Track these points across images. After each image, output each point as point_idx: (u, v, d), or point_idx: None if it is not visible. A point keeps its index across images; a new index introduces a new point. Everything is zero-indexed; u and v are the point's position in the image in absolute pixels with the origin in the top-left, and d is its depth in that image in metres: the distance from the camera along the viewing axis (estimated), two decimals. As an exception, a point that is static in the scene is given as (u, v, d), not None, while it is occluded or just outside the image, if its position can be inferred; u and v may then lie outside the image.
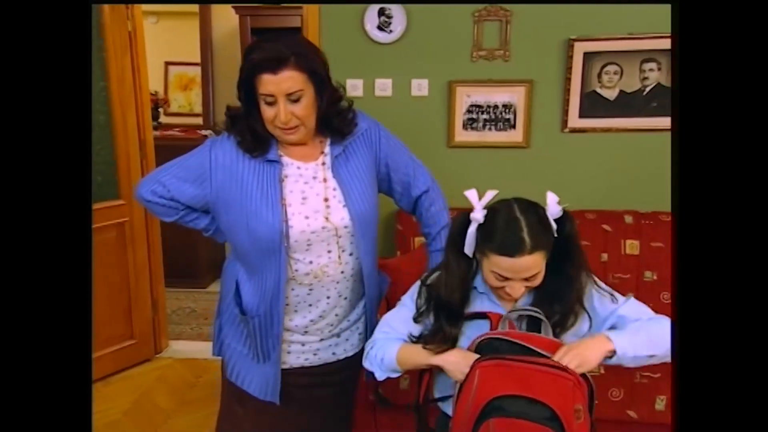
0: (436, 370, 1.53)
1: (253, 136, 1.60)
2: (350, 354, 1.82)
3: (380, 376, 1.57)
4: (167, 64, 5.45)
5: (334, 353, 1.79)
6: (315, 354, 1.77)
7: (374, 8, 2.97)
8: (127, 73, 3.16)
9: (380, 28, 3.00)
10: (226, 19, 4.59)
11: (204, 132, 4.59)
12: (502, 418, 1.32)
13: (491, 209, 1.43)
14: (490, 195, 1.43)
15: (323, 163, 1.67)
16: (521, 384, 1.33)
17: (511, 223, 1.38)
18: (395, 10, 2.97)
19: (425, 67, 3.03)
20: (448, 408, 1.54)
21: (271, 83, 1.52)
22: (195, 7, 4.65)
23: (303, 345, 1.75)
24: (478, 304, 1.53)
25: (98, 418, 2.90)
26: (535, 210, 1.42)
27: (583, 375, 1.36)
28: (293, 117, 1.56)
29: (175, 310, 4.02)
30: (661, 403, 2.41)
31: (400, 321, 1.58)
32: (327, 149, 1.68)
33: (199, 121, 4.80)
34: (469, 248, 1.46)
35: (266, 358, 1.73)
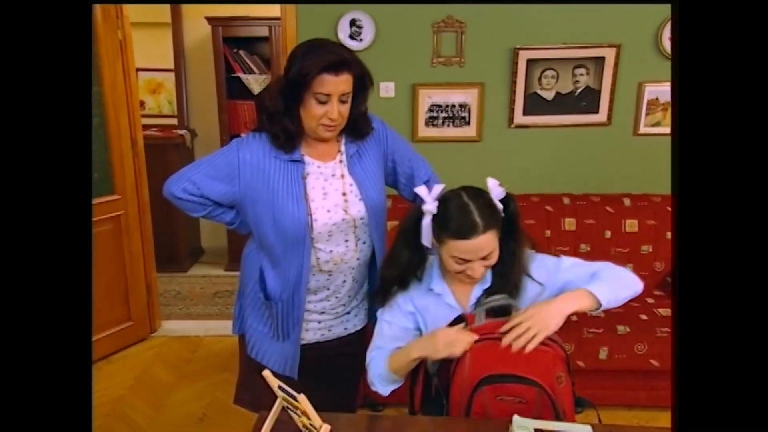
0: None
1: (287, 135, 1.53)
2: (359, 327, 1.79)
3: (385, 391, 1.49)
4: (137, 69, 5.25)
5: (345, 328, 1.75)
6: (329, 330, 1.73)
7: (346, 19, 2.92)
8: (119, 78, 2.97)
9: (352, 37, 2.95)
10: (196, 29, 4.40)
11: (180, 131, 4.44)
12: (494, 385, 1.29)
13: (442, 200, 1.38)
14: (438, 188, 1.39)
15: (340, 161, 1.62)
16: (508, 363, 1.29)
17: (463, 209, 1.34)
18: (365, 21, 2.93)
19: (392, 72, 3.01)
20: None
21: (331, 83, 1.46)
22: (167, 18, 4.48)
23: (319, 323, 1.71)
24: (433, 309, 1.48)
25: (105, 394, 2.75)
26: (482, 194, 1.38)
27: (560, 345, 1.34)
28: (339, 116, 1.51)
29: (162, 293, 3.85)
30: (603, 353, 2.55)
31: (384, 338, 1.51)
32: (343, 148, 1.63)
33: (167, 121, 4.65)
34: (426, 239, 1.40)
35: (286, 337, 1.67)
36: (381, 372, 1.47)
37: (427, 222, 1.38)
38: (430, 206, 1.37)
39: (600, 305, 1.36)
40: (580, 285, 1.41)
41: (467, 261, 1.36)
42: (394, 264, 1.47)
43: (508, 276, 1.44)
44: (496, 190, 1.39)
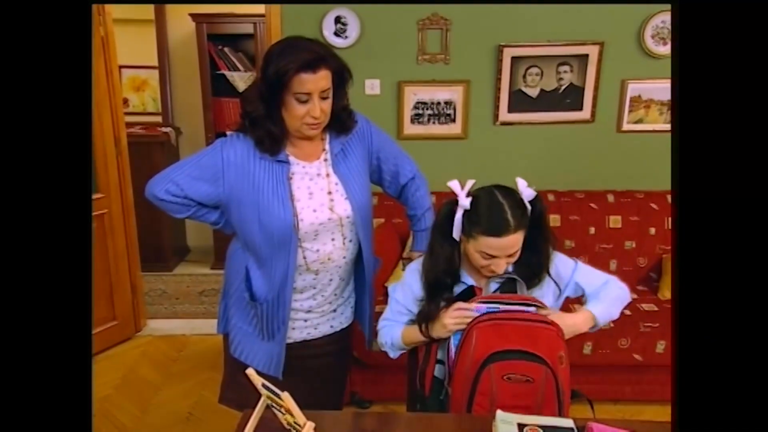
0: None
1: (272, 139, 1.52)
2: (345, 326, 1.78)
3: (394, 355, 1.59)
4: (120, 67, 5.18)
5: (331, 326, 1.75)
6: (316, 328, 1.72)
7: (331, 16, 2.91)
8: (101, 76, 2.93)
9: (337, 34, 2.94)
10: (181, 26, 4.36)
11: (164, 129, 4.39)
12: (501, 362, 1.33)
13: (475, 196, 1.41)
14: (470, 183, 1.42)
15: (325, 160, 1.61)
16: (514, 339, 1.34)
17: (495, 207, 1.37)
18: (350, 18, 2.93)
19: (377, 69, 3.01)
20: (439, 372, 1.53)
21: (310, 82, 1.44)
22: (150, 15, 4.43)
23: (306, 321, 1.70)
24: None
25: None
26: (513, 194, 1.41)
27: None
28: (322, 113, 1.50)
29: (148, 292, 3.81)
30: (587, 348, 2.57)
31: (394, 313, 1.58)
32: (327, 147, 1.61)
33: (151, 119, 4.61)
34: (456, 232, 1.44)
35: (271, 337, 1.66)
36: (393, 341, 1.56)
37: (459, 216, 1.42)
38: (465, 201, 1.40)
39: (596, 325, 1.50)
40: (588, 291, 1.54)
41: (493, 257, 1.40)
42: (436, 260, 1.49)
43: (531, 270, 1.48)
44: (526, 191, 1.42)
